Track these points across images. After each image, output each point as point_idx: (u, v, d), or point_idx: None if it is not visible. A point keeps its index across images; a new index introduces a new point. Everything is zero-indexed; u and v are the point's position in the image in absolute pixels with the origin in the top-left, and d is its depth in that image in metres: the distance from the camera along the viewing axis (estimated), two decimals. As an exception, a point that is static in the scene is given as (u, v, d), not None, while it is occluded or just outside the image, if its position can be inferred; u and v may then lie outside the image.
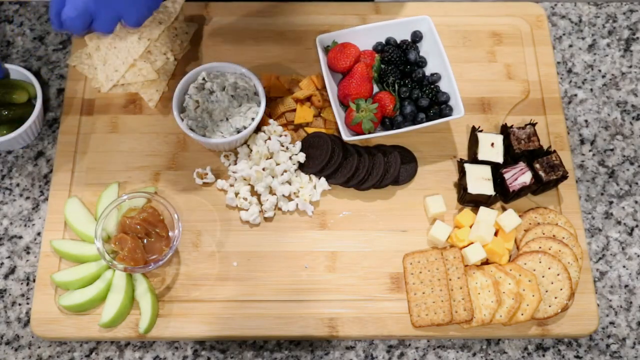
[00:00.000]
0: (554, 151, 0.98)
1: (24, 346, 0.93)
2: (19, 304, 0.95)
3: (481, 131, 1.00)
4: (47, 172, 1.03)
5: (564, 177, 0.97)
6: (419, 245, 0.97)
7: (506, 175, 0.96)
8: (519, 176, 0.96)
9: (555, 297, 0.91)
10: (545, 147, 1.02)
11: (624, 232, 1.01)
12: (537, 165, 0.97)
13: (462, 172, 0.98)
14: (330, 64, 1.03)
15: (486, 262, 0.95)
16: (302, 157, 0.99)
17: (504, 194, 0.98)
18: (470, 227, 0.96)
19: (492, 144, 0.99)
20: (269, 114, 1.03)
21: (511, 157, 0.99)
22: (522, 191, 0.97)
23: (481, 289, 0.91)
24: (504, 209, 0.98)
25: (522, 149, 0.98)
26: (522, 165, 0.97)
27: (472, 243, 0.95)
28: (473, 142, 1.01)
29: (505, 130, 1.00)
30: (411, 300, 0.92)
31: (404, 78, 1.03)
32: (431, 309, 0.91)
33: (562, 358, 0.93)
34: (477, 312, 0.90)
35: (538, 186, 0.97)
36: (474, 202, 0.98)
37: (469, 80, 1.07)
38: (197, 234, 0.97)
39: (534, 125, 1.00)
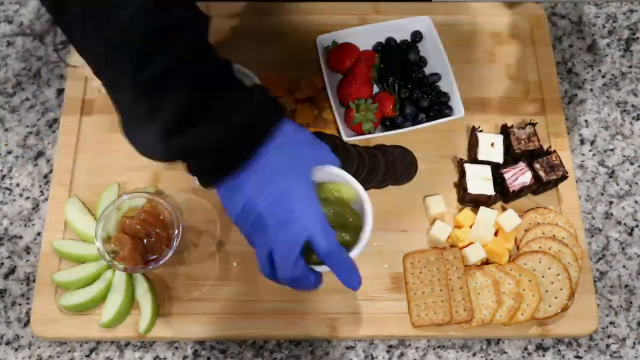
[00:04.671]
0: (554, 151, 0.98)
1: (24, 346, 0.93)
2: (19, 304, 0.95)
3: (481, 131, 1.00)
4: (47, 172, 1.03)
5: (564, 177, 0.97)
6: (419, 245, 0.97)
7: (506, 175, 0.96)
8: (519, 176, 0.96)
9: (556, 297, 0.91)
10: (545, 147, 1.02)
11: (624, 232, 1.01)
12: (537, 165, 0.97)
13: (462, 172, 0.98)
14: (330, 64, 1.03)
15: (486, 262, 0.95)
16: (302, 157, 0.99)
17: (504, 194, 0.98)
18: (470, 227, 0.96)
19: (492, 144, 0.99)
20: (269, 114, 1.03)
21: (511, 157, 0.99)
22: (522, 191, 0.97)
23: (481, 289, 0.91)
24: (503, 209, 0.98)
25: (522, 149, 0.98)
26: (522, 165, 0.97)
27: (472, 243, 0.94)
28: (473, 142, 1.00)
29: (505, 130, 1.00)
30: (411, 300, 0.92)
31: (404, 78, 1.03)
32: (431, 308, 0.91)
33: (562, 358, 0.93)
34: (477, 312, 0.90)
35: (538, 186, 0.97)
36: (474, 202, 0.98)
37: (469, 80, 1.07)
38: (197, 234, 0.97)
39: (534, 125, 1.00)
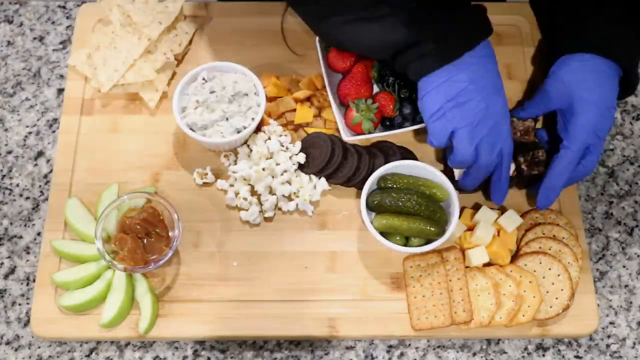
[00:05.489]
0: (542, 147, 0.97)
1: (24, 346, 0.93)
2: (19, 304, 0.95)
3: None
4: (47, 172, 1.03)
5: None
6: (419, 245, 0.97)
7: None
8: None
9: (557, 298, 0.91)
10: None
11: (624, 232, 1.01)
12: (522, 159, 0.96)
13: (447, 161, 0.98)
14: (330, 64, 1.03)
15: (487, 263, 0.95)
16: (302, 158, 0.99)
17: (484, 188, 0.98)
18: (472, 227, 0.96)
19: None
20: (269, 114, 1.03)
21: None
22: None
23: (481, 291, 0.91)
24: (504, 210, 0.98)
25: (515, 140, 0.97)
26: None
27: (477, 245, 0.94)
28: None
29: None
30: (411, 304, 0.92)
31: (404, 78, 1.03)
32: (431, 312, 0.91)
33: (562, 358, 0.93)
34: (476, 314, 0.90)
35: (520, 179, 0.96)
36: (461, 190, 0.97)
37: (469, 80, 1.07)
38: (197, 234, 0.97)
39: (536, 120, 0.99)
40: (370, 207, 0.94)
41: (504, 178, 0.91)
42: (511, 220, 0.95)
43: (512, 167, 0.96)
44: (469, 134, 0.86)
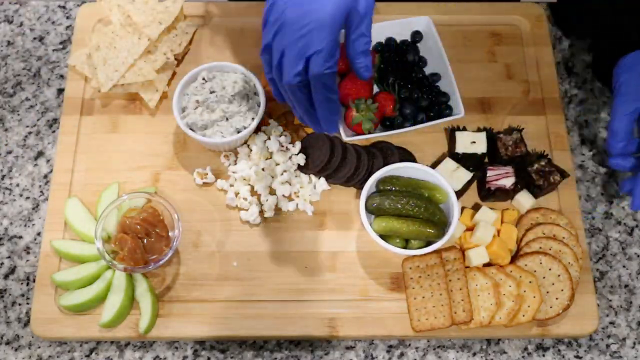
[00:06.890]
0: (547, 155, 0.98)
1: (24, 346, 0.93)
2: (19, 304, 0.95)
3: (459, 129, 1.00)
4: (47, 172, 1.03)
5: (563, 176, 0.97)
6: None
7: (489, 172, 0.96)
8: (502, 178, 0.96)
9: (557, 298, 0.91)
10: (544, 148, 1.02)
11: (624, 232, 1.01)
12: (534, 175, 0.96)
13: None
14: (330, 64, 1.03)
15: (488, 263, 0.95)
16: (301, 159, 0.99)
17: (479, 189, 0.98)
18: (471, 228, 0.96)
19: (474, 142, 0.99)
20: (269, 114, 1.03)
21: (500, 163, 0.99)
22: (498, 191, 0.96)
23: (481, 291, 0.91)
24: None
25: (509, 155, 0.98)
26: (509, 169, 0.96)
27: (477, 246, 0.94)
28: (452, 142, 1.01)
29: (491, 137, 1.00)
30: (411, 305, 0.92)
31: (404, 78, 1.03)
32: (431, 313, 0.91)
33: (562, 358, 0.93)
34: (476, 313, 0.90)
35: (518, 191, 0.97)
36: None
37: (469, 80, 1.07)
38: (197, 234, 0.97)
39: (520, 131, 0.99)
40: (369, 210, 0.94)
41: (319, 102, 0.81)
42: (527, 201, 0.96)
43: (511, 180, 0.96)
44: (275, 43, 0.78)
